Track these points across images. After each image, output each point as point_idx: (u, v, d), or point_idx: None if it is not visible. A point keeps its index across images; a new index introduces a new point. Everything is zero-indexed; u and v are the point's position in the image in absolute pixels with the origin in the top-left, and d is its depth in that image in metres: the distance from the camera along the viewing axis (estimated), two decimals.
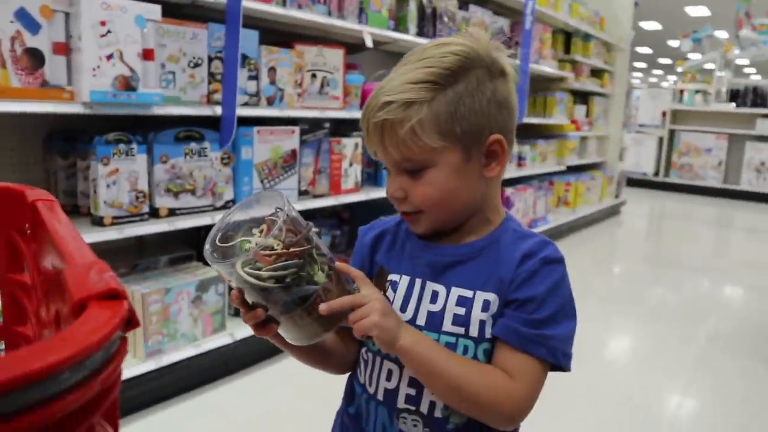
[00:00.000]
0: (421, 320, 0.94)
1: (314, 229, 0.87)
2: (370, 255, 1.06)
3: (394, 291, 0.99)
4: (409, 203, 0.93)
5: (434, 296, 0.95)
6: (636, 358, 3.21)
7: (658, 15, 13.71)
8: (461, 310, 0.92)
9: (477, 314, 0.92)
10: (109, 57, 2.10)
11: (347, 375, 1.09)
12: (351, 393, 1.06)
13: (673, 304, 4.22)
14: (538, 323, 0.89)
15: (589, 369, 2.96)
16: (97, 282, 0.38)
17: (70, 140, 2.46)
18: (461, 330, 0.92)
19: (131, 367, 2.26)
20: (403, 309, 0.96)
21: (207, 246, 0.83)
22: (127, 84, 2.15)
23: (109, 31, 2.08)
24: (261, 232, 0.84)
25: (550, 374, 0.91)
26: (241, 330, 2.65)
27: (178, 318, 2.41)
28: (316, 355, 1.02)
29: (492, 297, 0.92)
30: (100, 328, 0.34)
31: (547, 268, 0.91)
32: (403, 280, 0.99)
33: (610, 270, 5.34)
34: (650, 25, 15.08)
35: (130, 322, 0.38)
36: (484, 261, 0.95)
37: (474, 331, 0.92)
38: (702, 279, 5.03)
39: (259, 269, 0.81)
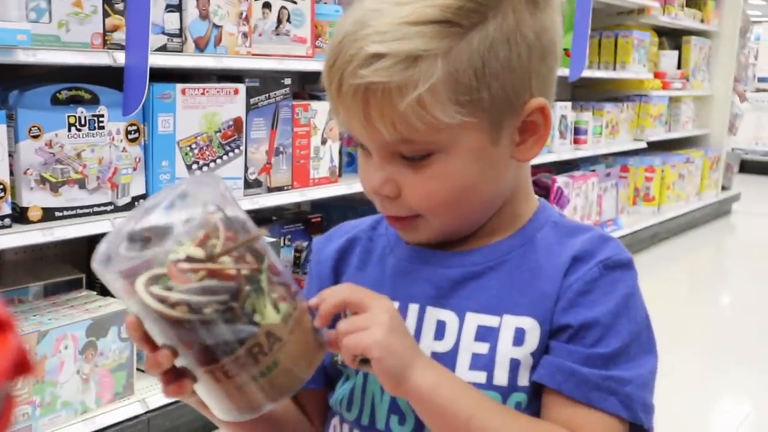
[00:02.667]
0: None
1: (267, 239, 0.80)
2: (333, 277, 1.03)
3: None
4: (402, 204, 0.89)
5: (440, 329, 0.92)
6: None
7: None
8: (483, 347, 0.88)
9: (506, 351, 0.88)
10: None
11: None
12: None
13: None
14: (605, 361, 0.85)
15: None
16: None
17: None
18: (482, 376, 0.88)
19: None
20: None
21: (103, 246, 0.76)
22: None
23: None
24: (195, 239, 0.76)
25: None
26: (157, 394, 2.57)
27: (57, 378, 2.33)
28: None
29: (528, 323, 0.88)
30: None
31: (611, 276, 0.88)
32: None
33: (716, 301, 5.29)
34: None
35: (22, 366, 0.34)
36: (513, 270, 0.92)
37: (502, 378, 0.88)
38: None
39: (171, 289, 0.74)
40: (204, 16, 2.72)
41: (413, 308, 0.93)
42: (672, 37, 6.85)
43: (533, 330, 0.87)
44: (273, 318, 0.76)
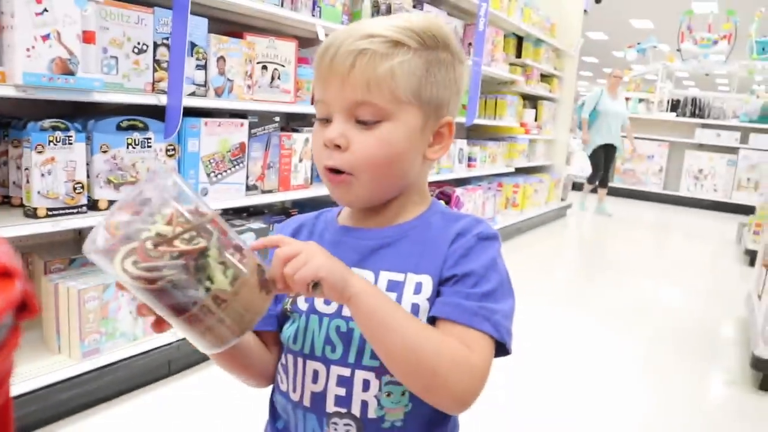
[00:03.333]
0: (347, 310, 0.82)
1: (218, 219, 0.72)
2: None
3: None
4: (347, 157, 0.83)
5: None
6: (580, 359, 3.22)
7: (605, 26, 14.00)
8: (392, 296, 0.83)
9: (409, 298, 0.83)
10: (46, 38, 1.96)
11: (270, 392, 0.98)
12: (274, 407, 0.96)
13: (615, 305, 4.26)
14: (481, 296, 0.81)
15: (532, 370, 2.94)
16: None
17: (3, 126, 2.30)
18: None
19: (66, 368, 2.12)
20: (327, 302, 0.87)
21: (90, 236, 0.68)
22: (65, 67, 2.01)
23: (45, 10, 1.94)
24: (160, 220, 0.68)
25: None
26: None
27: (117, 316, 2.27)
28: (233, 361, 0.91)
29: (425, 279, 0.84)
30: None
31: (483, 243, 0.85)
32: None
33: (554, 271, 5.38)
34: (596, 35, 15.40)
35: (24, 307, 0.29)
36: (414, 242, 0.88)
37: None
38: (643, 281, 5.11)
39: (136, 264, 0.67)
40: (221, 73, 2.68)
41: None
42: (531, 100, 6.92)
43: (428, 283, 0.83)
44: (221, 283, 0.68)
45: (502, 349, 0.82)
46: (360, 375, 0.84)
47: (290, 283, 0.73)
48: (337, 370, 0.85)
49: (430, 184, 3.62)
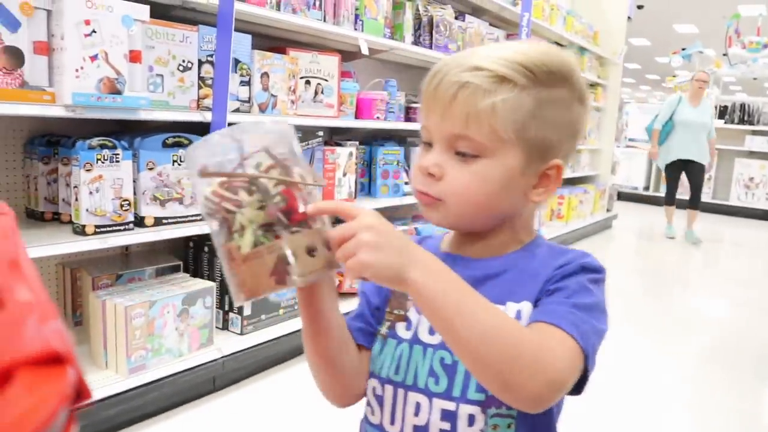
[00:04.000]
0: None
1: (298, 191, 0.69)
2: None
3: (418, 311, 0.86)
4: (438, 187, 0.80)
5: None
6: (624, 374, 3.11)
7: (647, 32, 13.75)
8: None
9: None
10: (94, 58, 1.98)
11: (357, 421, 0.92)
12: None
13: (662, 318, 4.12)
14: (572, 305, 0.76)
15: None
16: (32, 338, 0.26)
17: (53, 145, 2.33)
18: None
19: (112, 384, 2.13)
20: (432, 331, 0.83)
21: (200, 141, 0.69)
22: (113, 87, 2.03)
23: (93, 31, 1.96)
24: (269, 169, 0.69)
25: None
26: (229, 345, 2.52)
27: (163, 332, 2.28)
28: (326, 356, 0.86)
29: (524, 306, 0.80)
30: (26, 414, 0.22)
31: (585, 273, 0.81)
32: None
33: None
34: (639, 42, 15.13)
35: (80, 395, 0.26)
36: (518, 273, 0.84)
37: None
38: (691, 294, 4.95)
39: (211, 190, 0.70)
40: (265, 88, 2.68)
41: None
42: None
43: (527, 309, 0.80)
44: (236, 242, 0.68)
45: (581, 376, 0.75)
46: (465, 409, 0.80)
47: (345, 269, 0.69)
48: (440, 404, 0.81)
49: None
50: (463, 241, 0.90)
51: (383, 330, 0.89)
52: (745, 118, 9.87)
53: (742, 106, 10.03)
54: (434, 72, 0.81)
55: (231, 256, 0.68)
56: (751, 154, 9.48)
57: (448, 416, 0.81)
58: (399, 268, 0.67)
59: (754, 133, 9.51)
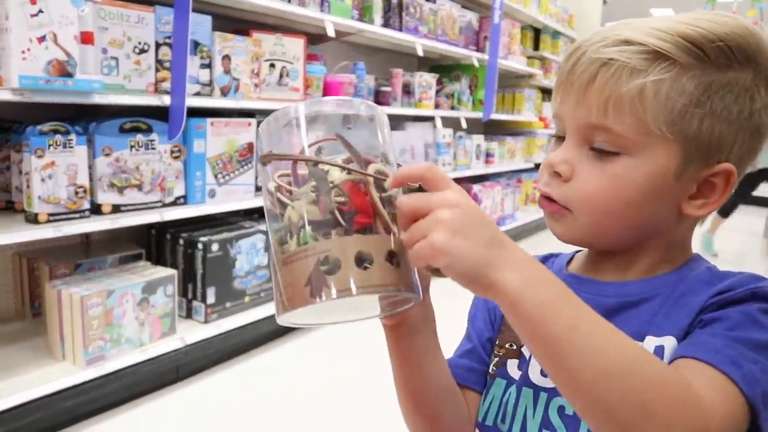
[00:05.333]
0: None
1: (374, 187, 0.56)
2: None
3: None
4: (565, 190, 0.66)
5: None
6: None
7: (625, 16, 13.69)
8: None
9: None
10: (41, 39, 1.90)
11: None
12: None
13: None
14: (734, 338, 0.56)
15: None
16: None
17: (5, 131, 2.26)
18: None
19: (69, 375, 2.07)
20: (544, 374, 0.67)
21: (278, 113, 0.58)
22: (63, 69, 1.96)
23: (40, 11, 1.89)
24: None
25: None
26: (193, 333, 2.47)
27: (122, 322, 2.22)
28: (422, 410, 0.72)
29: (668, 341, 0.62)
30: None
31: (757, 302, 0.60)
32: None
33: None
34: None
35: None
36: (664, 300, 0.66)
37: None
38: None
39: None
40: (227, 71, 2.61)
41: None
42: (550, 93, 6.77)
43: (670, 346, 0.62)
44: (280, 242, 0.56)
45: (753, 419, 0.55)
46: None
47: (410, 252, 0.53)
48: None
49: None
50: (596, 261, 0.73)
51: (491, 368, 0.75)
52: None
53: None
54: (573, 49, 0.66)
55: (276, 258, 0.57)
56: None
57: None
58: (485, 263, 0.50)
59: None
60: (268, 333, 2.85)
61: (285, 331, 2.94)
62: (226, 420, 2.25)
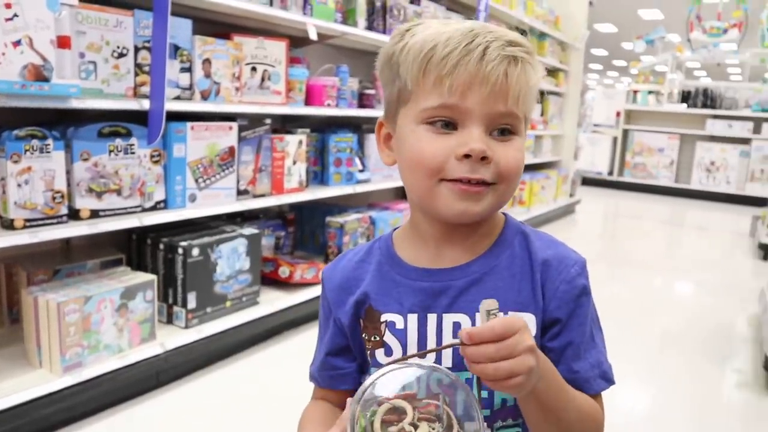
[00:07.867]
0: (447, 361, 0.78)
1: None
2: (344, 295, 0.89)
3: (397, 335, 0.81)
4: (493, 169, 0.76)
5: (456, 329, 0.79)
6: None
7: (613, 17, 13.83)
8: None
9: None
10: (17, 44, 1.89)
11: None
12: None
13: (625, 301, 4.15)
14: (592, 347, 0.83)
15: None
16: None
17: None
18: None
19: (46, 383, 2.06)
20: (422, 356, 0.78)
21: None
22: (39, 74, 1.95)
23: (15, 15, 1.87)
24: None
25: None
26: (173, 339, 2.46)
27: (100, 328, 2.21)
28: None
29: (529, 318, 0.80)
30: None
31: (587, 295, 0.85)
32: (410, 319, 0.81)
33: None
34: (605, 28, 15.21)
35: None
36: (501, 274, 0.82)
37: None
38: (654, 277, 5.00)
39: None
40: (207, 75, 2.60)
41: (432, 317, 0.80)
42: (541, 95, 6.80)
43: (532, 322, 0.79)
44: None
45: None
46: None
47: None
48: None
49: None
50: (434, 247, 0.85)
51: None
52: (708, 102, 10.00)
53: (705, 90, 10.16)
54: (467, 41, 0.74)
55: None
56: (713, 138, 9.61)
57: None
58: (536, 383, 0.70)
59: (715, 117, 9.63)
60: (250, 338, 2.84)
61: (266, 336, 2.93)
62: (207, 426, 2.24)
